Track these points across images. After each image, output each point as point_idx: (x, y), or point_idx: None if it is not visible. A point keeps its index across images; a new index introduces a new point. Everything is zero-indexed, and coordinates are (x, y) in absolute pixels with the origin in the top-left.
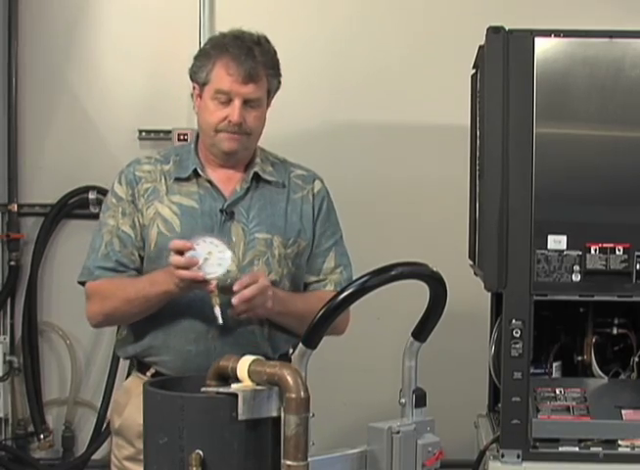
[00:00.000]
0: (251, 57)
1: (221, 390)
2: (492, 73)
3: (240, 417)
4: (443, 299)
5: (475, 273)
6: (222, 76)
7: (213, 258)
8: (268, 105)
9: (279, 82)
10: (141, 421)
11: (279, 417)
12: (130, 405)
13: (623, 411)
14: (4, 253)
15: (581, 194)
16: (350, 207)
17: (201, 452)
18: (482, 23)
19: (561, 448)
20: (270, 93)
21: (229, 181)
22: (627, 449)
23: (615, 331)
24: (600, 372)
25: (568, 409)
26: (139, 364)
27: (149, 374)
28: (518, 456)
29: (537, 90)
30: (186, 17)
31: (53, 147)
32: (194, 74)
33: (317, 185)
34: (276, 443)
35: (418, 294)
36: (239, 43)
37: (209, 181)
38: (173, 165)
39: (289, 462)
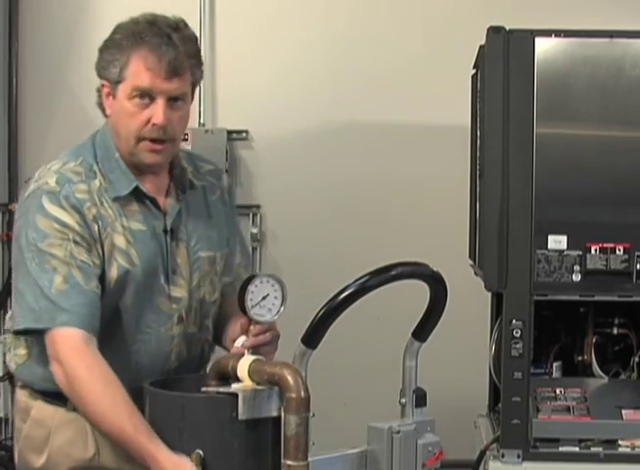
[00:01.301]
0: (171, 46)
1: (221, 389)
2: (493, 73)
3: (240, 417)
4: (444, 299)
5: (475, 273)
6: (140, 72)
7: (267, 300)
8: (192, 100)
9: (202, 73)
10: (76, 454)
11: (279, 417)
12: (55, 439)
13: (624, 411)
14: (4, 252)
15: (582, 194)
16: (351, 207)
17: (201, 452)
18: (483, 24)
19: (561, 448)
20: (194, 86)
21: (159, 192)
22: (628, 450)
23: (615, 331)
24: (600, 372)
25: (568, 409)
26: (54, 395)
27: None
28: (518, 456)
29: (538, 90)
30: (186, 17)
31: (53, 146)
32: (102, 70)
33: (224, 179)
34: (276, 442)
35: (418, 294)
36: (155, 30)
37: (150, 198)
38: (103, 180)
39: (289, 462)
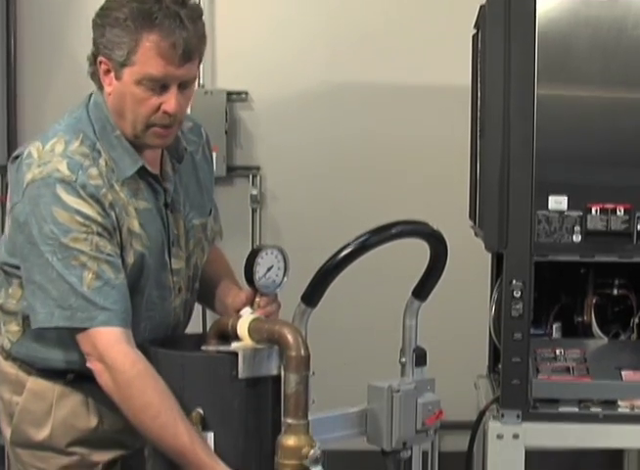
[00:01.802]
0: (183, 29)
1: (221, 348)
2: (493, 33)
3: (240, 376)
4: (444, 257)
5: (475, 234)
6: (152, 58)
7: (272, 272)
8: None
9: (205, 45)
10: (80, 425)
11: (279, 375)
12: (58, 412)
13: (623, 372)
14: (3, 215)
15: (583, 154)
16: (351, 167)
17: (201, 411)
18: None
19: (560, 409)
20: (200, 63)
21: (155, 164)
22: (627, 410)
23: (615, 292)
24: (600, 333)
25: (567, 370)
26: (53, 372)
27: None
28: (517, 416)
29: (539, 50)
30: None
31: (52, 110)
32: (104, 49)
33: (204, 133)
34: (276, 401)
35: (419, 253)
36: (164, 9)
37: (153, 176)
38: (108, 160)
39: (289, 420)
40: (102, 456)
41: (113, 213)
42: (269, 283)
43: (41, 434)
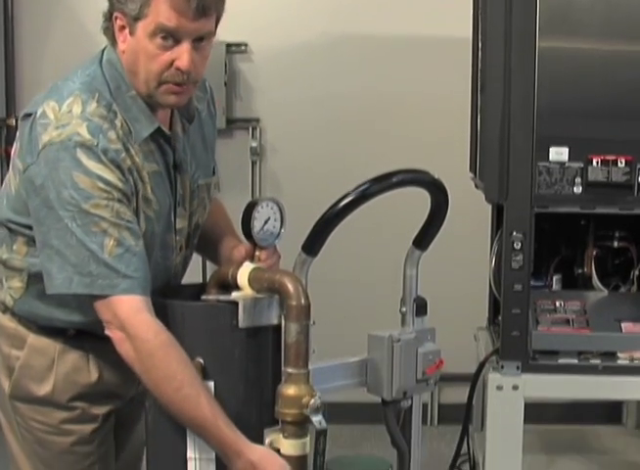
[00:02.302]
0: None
1: (222, 298)
2: None
3: (240, 325)
4: (445, 206)
5: (476, 186)
6: (165, 10)
7: (269, 224)
8: (214, 35)
9: (224, 3)
10: (81, 380)
11: (280, 325)
12: (60, 367)
13: (623, 324)
14: (3, 167)
15: (584, 107)
16: (351, 119)
17: (201, 360)
18: None
19: (560, 360)
20: (218, 22)
21: (165, 123)
22: (626, 362)
23: (615, 244)
24: (600, 285)
25: (567, 322)
26: (55, 329)
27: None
28: (517, 368)
29: (540, 3)
30: None
31: (50, 61)
32: (118, 3)
33: (208, 88)
34: (277, 351)
35: (419, 205)
36: None
37: (166, 137)
38: (123, 121)
39: (289, 369)
40: (101, 409)
41: (130, 179)
42: (267, 236)
43: (43, 389)
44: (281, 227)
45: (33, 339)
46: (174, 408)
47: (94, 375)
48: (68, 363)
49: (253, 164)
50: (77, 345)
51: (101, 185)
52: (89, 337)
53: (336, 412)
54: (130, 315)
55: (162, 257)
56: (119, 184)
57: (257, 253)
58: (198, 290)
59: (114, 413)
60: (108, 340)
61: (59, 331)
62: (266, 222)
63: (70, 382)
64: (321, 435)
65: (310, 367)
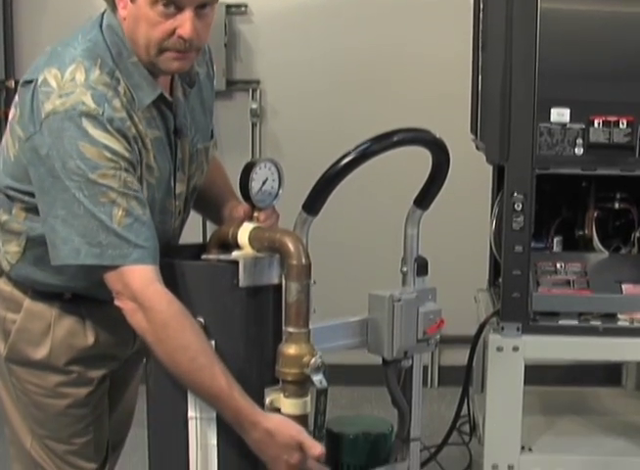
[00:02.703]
0: None
1: (222, 257)
2: None
3: (241, 284)
4: (446, 165)
5: (477, 147)
6: None
7: (267, 185)
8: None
9: None
10: (78, 344)
11: (280, 284)
12: (57, 331)
13: (623, 285)
14: (1, 130)
15: (586, 68)
16: (351, 80)
17: (202, 320)
18: None
19: (560, 322)
20: None
21: (166, 89)
22: (626, 323)
23: (616, 206)
24: (601, 247)
25: (568, 283)
26: (52, 294)
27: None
28: (517, 329)
29: None
30: None
31: (50, 22)
32: None
33: (207, 50)
34: (277, 310)
35: (421, 163)
36: None
37: (168, 103)
38: (126, 88)
39: (290, 329)
40: (97, 372)
41: (136, 147)
42: (265, 196)
43: (39, 353)
44: (279, 188)
45: (29, 303)
46: (189, 379)
47: (90, 339)
48: (65, 328)
49: (254, 125)
50: (74, 309)
51: (108, 155)
52: (85, 301)
53: (336, 374)
54: (143, 286)
55: (161, 221)
56: (126, 153)
57: (256, 214)
58: (198, 250)
59: (109, 376)
60: (104, 303)
61: (55, 295)
62: (264, 183)
63: (67, 346)
64: (322, 394)
65: (311, 327)
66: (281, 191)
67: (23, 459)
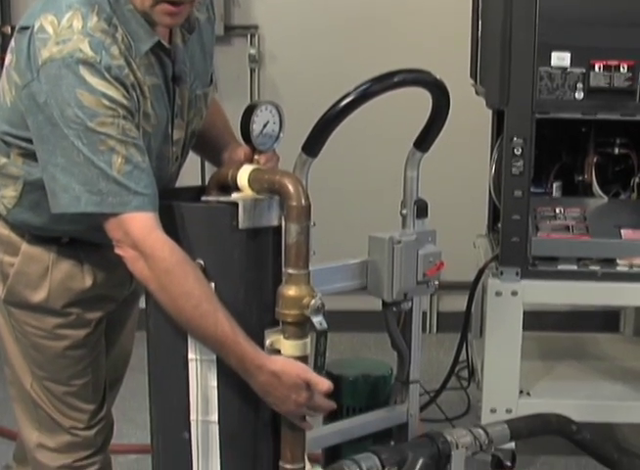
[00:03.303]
0: None
1: (222, 199)
2: None
3: (240, 226)
4: (446, 107)
5: (476, 92)
6: None
7: (268, 128)
8: None
9: None
10: (75, 286)
11: (280, 226)
12: (55, 274)
13: (623, 230)
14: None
15: (587, 12)
16: (350, 25)
17: (201, 262)
18: None
19: (559, 267)
20: None
21: (165, 35)
22: (625, 268)
23: (616, 151)
24: (600, 192)
25: (567, 228)
26: (49, 238)
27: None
28: (517, 274)
29: None
30: None
31: None
32: None
33: None
34: (277, 253)
35: (421, 106)
36: None
37: (166, 50)
38: (124, 35)
39: (290, 270)
40: (95, 314)
41: (134, 95)
42: (266, 139)
43: (37, 296)
44: (280, 131)
45: (27, 247)
46: (193, 325)
47: (88, 281)
48: (63, 271)
49: (252, 71)
50: (71, 252)
51: (106, 102)
52: (83, 244)
53: (335, 320)
54: (144, 233)
55: (158, 167)
56: (124, 101)
57: (256, 157)
58: (197, 193)
59: (106, 317)
60: (101, 246)
61: (52, 239)
62: (265, 126)
63: (65, 289)
64: (322, 335)
65: (310, 269)
66: (282, 134)
67: (24, 400)
